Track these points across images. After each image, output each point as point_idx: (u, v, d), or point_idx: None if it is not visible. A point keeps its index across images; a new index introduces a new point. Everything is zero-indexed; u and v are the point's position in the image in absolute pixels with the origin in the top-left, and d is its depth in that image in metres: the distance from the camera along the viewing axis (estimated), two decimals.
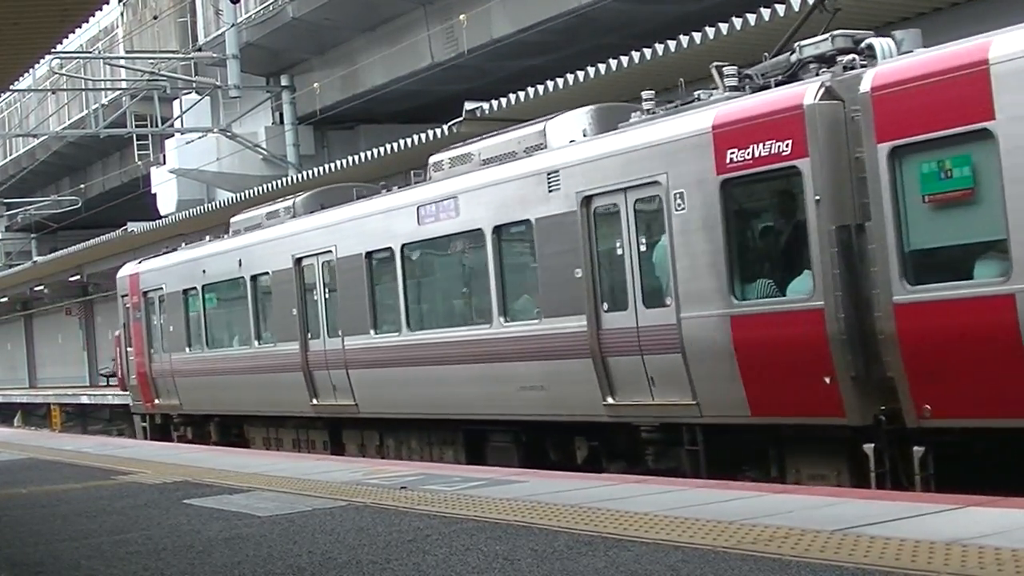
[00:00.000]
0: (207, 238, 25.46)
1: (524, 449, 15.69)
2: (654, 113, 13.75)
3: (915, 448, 10.81)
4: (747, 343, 12.06)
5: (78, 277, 49.11)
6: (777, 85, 12.38)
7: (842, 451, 11.60)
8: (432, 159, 17.22)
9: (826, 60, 12.14)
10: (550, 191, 14.32)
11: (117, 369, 29.53)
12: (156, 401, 26.12)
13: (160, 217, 40.99)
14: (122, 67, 41.89)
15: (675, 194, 12.67)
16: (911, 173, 10.59)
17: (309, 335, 19.65)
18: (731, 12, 17.86)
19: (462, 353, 16.14)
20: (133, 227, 38.79)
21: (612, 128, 14.19)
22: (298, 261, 19.78)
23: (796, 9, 16.30)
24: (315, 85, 35.82)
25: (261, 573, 8.12)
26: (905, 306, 10.63)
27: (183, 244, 26.21)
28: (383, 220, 17.71)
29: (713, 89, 13.26)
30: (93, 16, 12.88)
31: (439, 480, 12.48)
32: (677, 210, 12.66)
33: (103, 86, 44.44)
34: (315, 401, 19.58)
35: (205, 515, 11.28)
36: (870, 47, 11.96)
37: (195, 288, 23.86)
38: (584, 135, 14.69)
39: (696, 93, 13.36)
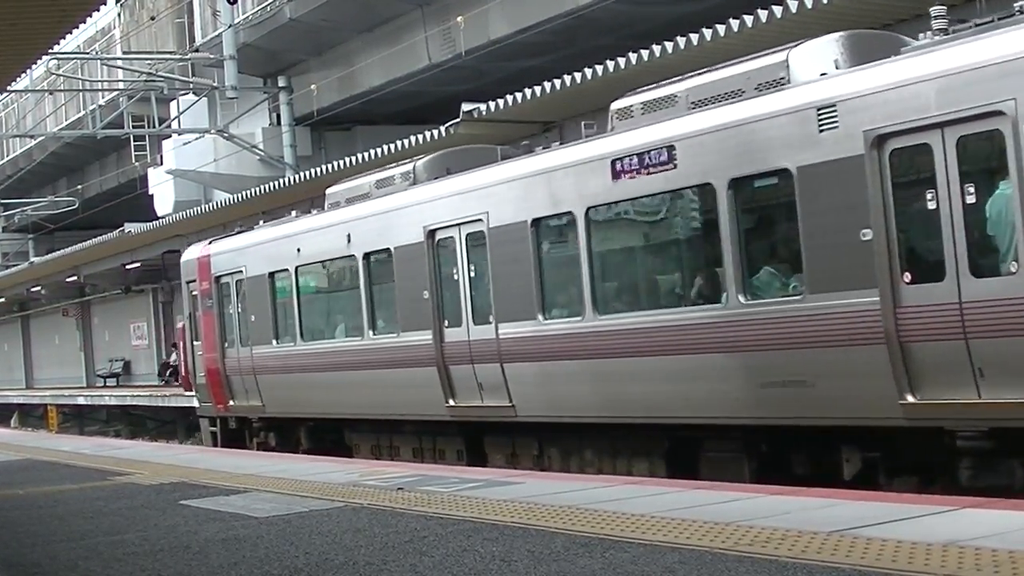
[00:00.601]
0: (293, 213, 22.34)
1: (757, 460, 12.72)
2: (950, 33, 11.16)
3: None
4: None
5: (75, 278, 49.09)
6: None
7: None
8: (615, 106, 14.26)
9: None
10: (821, 130, 11.34)
11: (180, 365, 25.89)
12: (231, 403, 22.61)
13: (157, 218, 40.98)
14: (119, 68, 41.88)
15: None
16: None
17: (446, 322, 16.51)
18: (729, 14, 17.88)
19: (675, 342, 13.06)
20: (130, 228, 38.77)
21: (869, 59, 11.59)
22: (431, 234, 16.60)
23: (793, 11, 16.32)
24: (312, 86, 35.82)
25: (258, 574, 8.11)
26: None
27: (260, 222, 23.19)
28: (561, 178, 14.52)
29: None
30: (91, 17, 12.89)
31: (436, 481, 12.47)
32: None
33: (100, 87, 44.42)
34: (451, 402, 16.49)
35: (202, 516, 11.27)
36: None
37: (286, 270, 20.48)
38: (836, 67, 12.08)
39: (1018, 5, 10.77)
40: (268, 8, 34.94)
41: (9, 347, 67.86)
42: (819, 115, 11.38)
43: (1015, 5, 10.65)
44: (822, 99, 11.42)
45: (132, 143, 43.70)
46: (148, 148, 44.05)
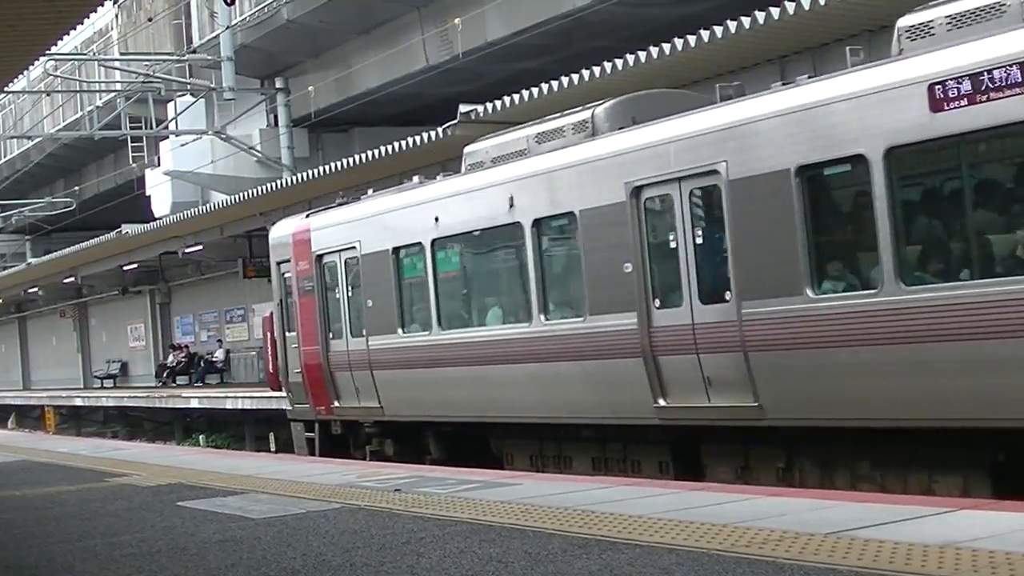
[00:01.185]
0: (416, 178, 18.45)
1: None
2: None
3: None
4: None
5: (72, 279, 49.05)
6: None
7: None
8: (902, 23, 11.32)
9: None
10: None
11: (267, 362, 21.86)
12: (335, 404, 19.00)
13: (155, 219, 40.95)
14: (117, 69, 41.86)
15: None
16: None
17: (656, 302, 13.30)
18: (726, 16, 17.88)
19: None
20: (127, 229, 38.75)
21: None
22: (636, 192, 13.38)
23: (791, 12, 16.32)
24: (310, 88, 35.82)
25: (255, 575, 8.12)
26: None
27: (370, 191, 19.72)
28: (847, 110, 11.18)
29: None
30: (88, 18, 12.89)
31: (433, 482, 12.47)
32: None
33: (98, 88, 44.39)
34: (661, 401, 13.28)
35: (199, 517, 11.27)
36: None
37: (418, 244, 17.01)
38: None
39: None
40: (266, 9, 34.93)
41: (6, 348, 67.79)
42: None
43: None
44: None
45: (129, 144, 43.65)
46: (145, 149, 44.00)
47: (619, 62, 19.18)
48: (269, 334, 21.31)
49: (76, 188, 53.28)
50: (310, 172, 28.65)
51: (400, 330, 17.42)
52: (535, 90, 21.03)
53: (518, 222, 15.08)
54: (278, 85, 38.78)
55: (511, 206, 15.12)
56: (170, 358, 45.68)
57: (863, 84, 11.18)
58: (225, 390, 35.85)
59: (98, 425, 46.76)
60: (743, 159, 12.12)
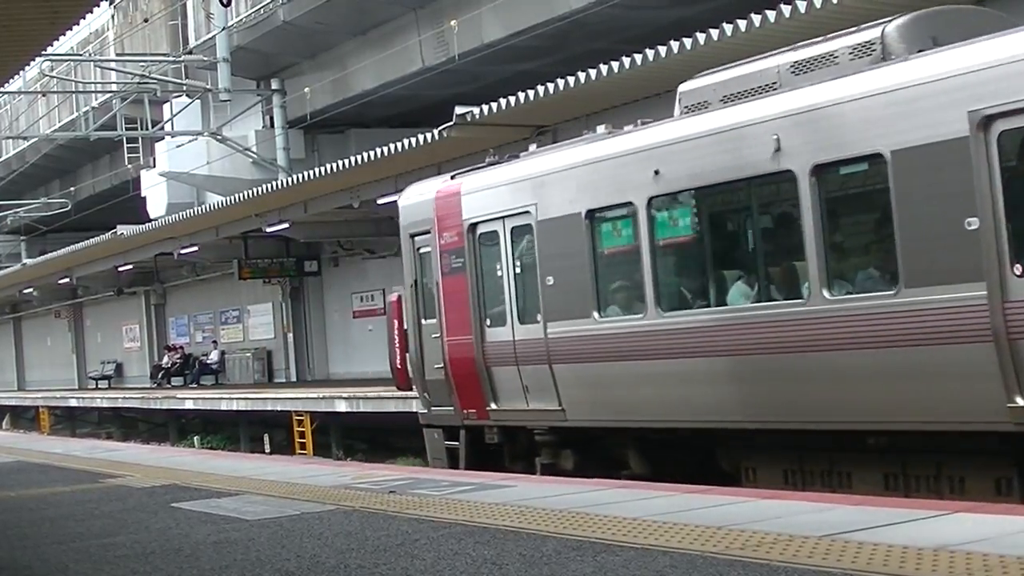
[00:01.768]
0: (601, 127, 15.15)
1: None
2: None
3: None
4: None
5: (67, 280, 49.02)
6: None
7: None
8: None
9: None
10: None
11: (393, 355, 18.00)
12: (492, 406, 15.80)
13: (150, 220, 40.92)
14: (113, 70, 41.84)
15: None
16: None
17: (1017, 268, 10.16)
18: (723, 18, 17.89)
19: None
20: (123, 230, 38.72)
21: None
22: (986, 123, 10.31)
23: (787, 16, 16.32)
24: (306, 89, 35.80)
25: None
26: None
27: (532, 146, 16.52)
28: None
29: None
30: (84, 18, 12.88)
31: (428, 484, 12.47)
32: None
33: (94, 89, 44.36)
34: (1020, 400, 10.18)
35: (193, 518, 11.26)
36: None
37: (627, 205, 13.71)
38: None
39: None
40: (262, 11, 34.92)
41: (1, 349, 67.76)
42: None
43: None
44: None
45: (125, 145, 43.63)
46: (141, 150, 43.98)
47: (615, 64, 19.18)
48: (396, 322, 17.75)
49: (71, 189, 53.23)
50: (306, 173, 28.63)
51: (596, 313, 14.13)
52: (532, 92, 21.03)
53: (789, 169, 11.86)
54: (274, 86, 38.76)
55: (777, 149, 11.93)
56: (165, 359, 45.68)
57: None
58: (220, 391, 35.85)
59: (93, 426, 46.74)
60: None
